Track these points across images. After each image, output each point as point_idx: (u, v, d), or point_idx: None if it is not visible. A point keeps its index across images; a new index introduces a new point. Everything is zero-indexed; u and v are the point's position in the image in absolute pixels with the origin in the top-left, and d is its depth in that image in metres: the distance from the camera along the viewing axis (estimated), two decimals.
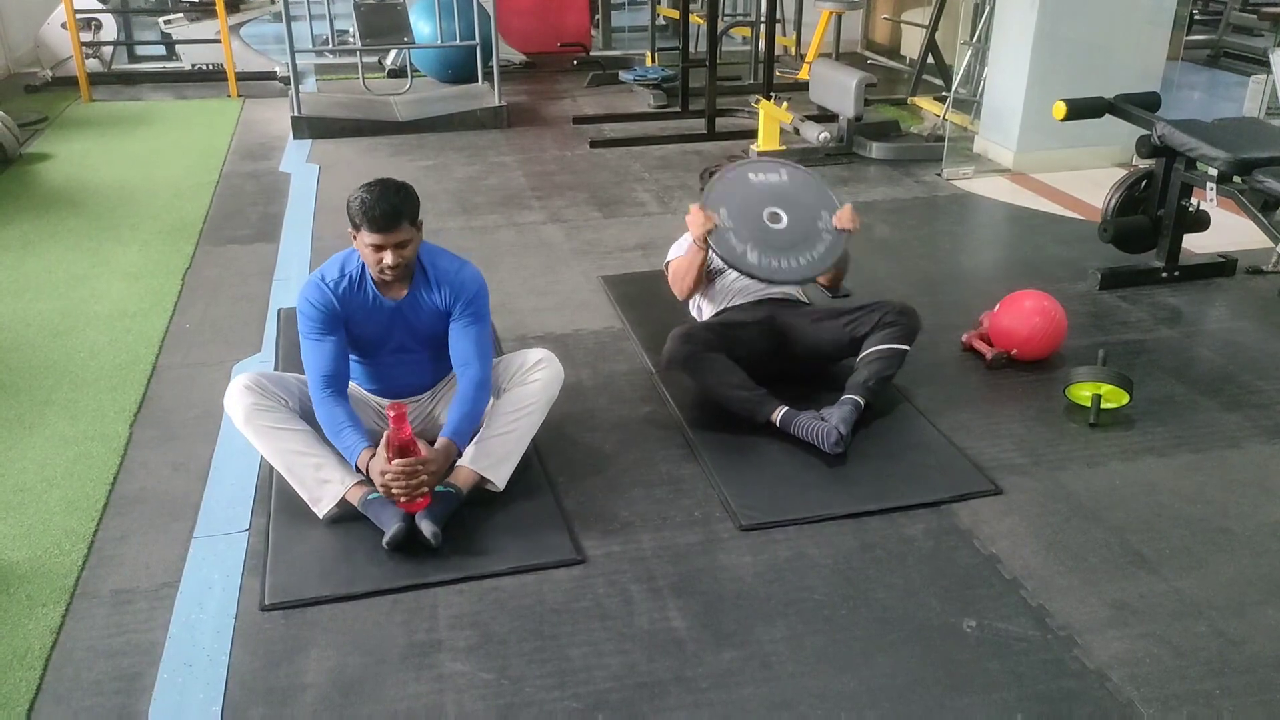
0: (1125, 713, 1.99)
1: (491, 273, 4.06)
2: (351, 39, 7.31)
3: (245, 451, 2.87)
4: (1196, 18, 8.90)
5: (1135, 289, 3.98)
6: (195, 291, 4.02)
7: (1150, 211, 4.04)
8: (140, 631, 2.23)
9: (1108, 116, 4.18)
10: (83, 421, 3.07)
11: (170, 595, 2.33)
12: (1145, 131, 3.96)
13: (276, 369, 3.34)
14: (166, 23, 8.12)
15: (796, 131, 5.68)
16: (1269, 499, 2.68)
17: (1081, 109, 4.10)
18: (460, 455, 2.58)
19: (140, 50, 8.65)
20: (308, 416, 2.61)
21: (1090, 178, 5.32)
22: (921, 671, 2.10)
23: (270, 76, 7.69)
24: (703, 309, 3.35)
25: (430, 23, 7.07)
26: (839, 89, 5.64)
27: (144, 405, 3.17)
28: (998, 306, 3.40)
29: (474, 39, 6.75)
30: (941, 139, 5.78)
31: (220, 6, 7.29)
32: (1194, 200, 3.95)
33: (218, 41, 7.53)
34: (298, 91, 6.21)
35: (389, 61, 8.02)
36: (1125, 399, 3.05)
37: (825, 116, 5.96)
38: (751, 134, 5.96)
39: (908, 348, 3.04)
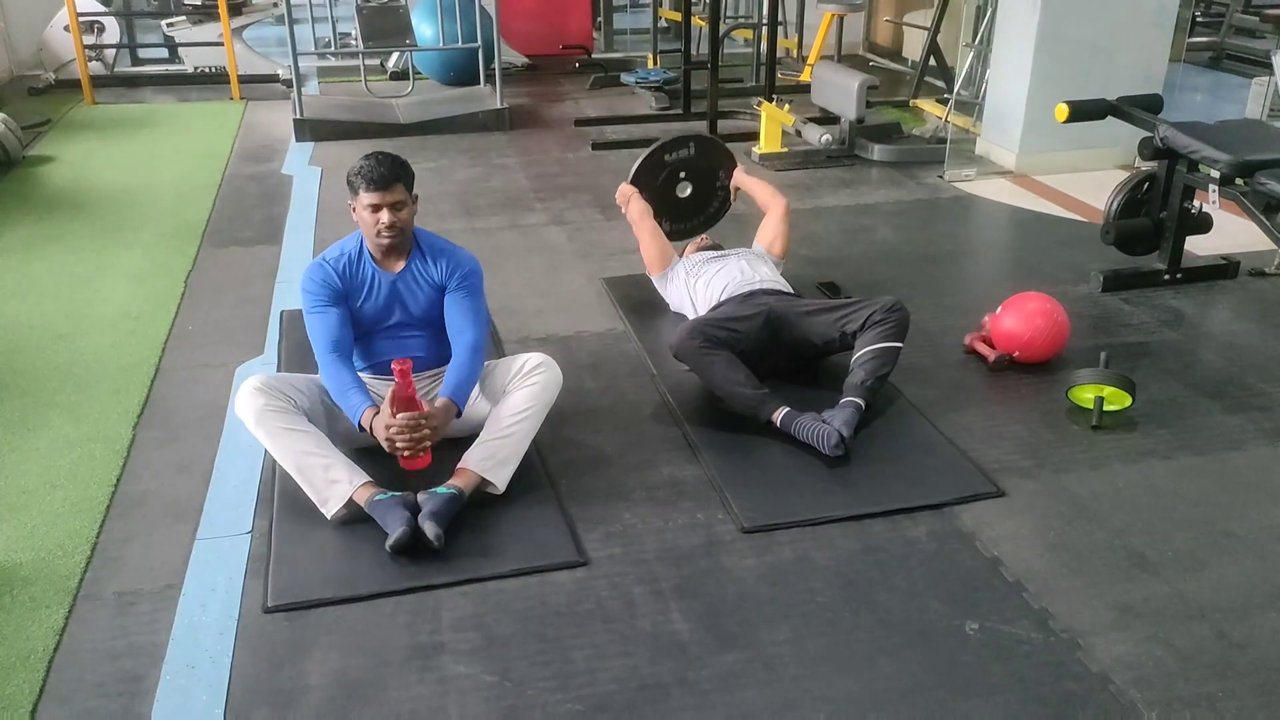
0: (1128, 715, 1.99)
1: (494, 274, 4.07)
2: (354, 41, 7.32)
3: (248, 453, 2.88)
4: (1198, 20, 8.89)
5: (1137, 291, 3.98)
6: (198, 294, 4.03)
7: (1153, 214, 4.04)
8: (143, 633, 2.23)
9: (1110, 119, 4.18)
10: (86, 423, 3.08)
11: (173, 597, 2.34)
12: (1147, 134, 3.96)
13: (279, 370, 3.34)
14: (169, 25, 8.12)
15: (798, 133, 5.68)
16: (1272, 501, 2.68)
17: (1084, 111, 4.10)
18: (459, 415, 2.66)
19: (143, 53, 8.66)
20: (315, 416, 2.64)
21: (1092, 180, 5.32)
22: (924, 674, 2.10)
23: (273, 79, 7.69)
24: (697, 306, 3.40)
25: (432, 25, 7.07)
26: (841, 91, 5.65)
27: (147, 407, 3.18)
28: (1000, 308, 3.40)
29: (476, 41, 6.75)
30: (943, 141, 5.78)
31: (223, 9, 7.30)
32: (1196, 202, 3.95)
33: (220, 44, 7.54)
34: (300, 94, 6.22)
35: (391, 64, 8.03)
36: (1128, 401, 3.05)
37: (827, 119, 5.96)
38: (753, 136, 5.97)
39: (901, 344, 3.04)
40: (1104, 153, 5.54)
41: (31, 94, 7.41)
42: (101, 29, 7.85)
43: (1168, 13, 5.45)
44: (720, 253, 3.61)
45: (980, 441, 2.94)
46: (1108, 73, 5.14)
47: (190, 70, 8.00)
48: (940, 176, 5.47)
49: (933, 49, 6.98)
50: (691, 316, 3.38)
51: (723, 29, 7.00)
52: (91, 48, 7.59)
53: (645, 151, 3.93)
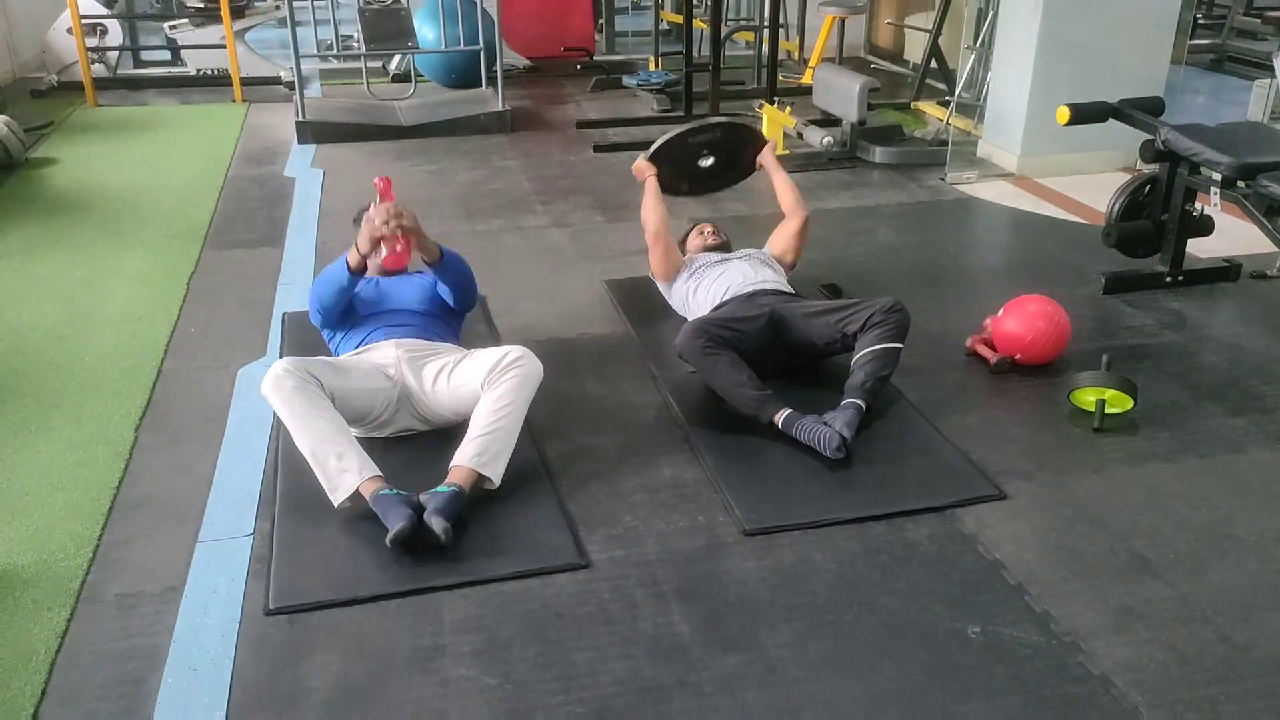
0: (1130, 718, 1.99)
1: (496, 277, 4.07)
2: (356, 44, 7.32)
3: (250, 456, 2.88)
4: (1200, 22, 8.89)
5: (1139, 294, 3.97)
6: (200, 296, 4.03)
7: (1154, 216, 4.04)
8: (145, 635, 2.23)
9: (1111, 121, 4.18)
10: (88, 425, 3.08)
11: (175, 599, 2.34)
12: (1149, 136, 3.96)
13: None
14: (172, 28, 8.12)
15: (800, 136, 5.68)
16: (1274, 504, 2.68)
17: (1085, 114, 4.10)
18: (441, 255, 2.96)
19: (145, 55, 8.66)
20: (333, 399, 2.70)
21: (1094, 182, 5.32)
22: (926, 677, 2.10)
23: (275, 81, 7.70)
24: (701, 305, 3.41)
25: (434, 27, 7.08)
26: (842, 93, 5.65)
27: (149, 409, 3.18)
28: (1001, 311, 3.40)
29: (478, 44, 6.75)
30: (945, 143, 5.78)
31: (225, 12, 7.31)
32: (1198, 205, 3.95)
33: (223, 47, 7.54)
34: (302, 96, 6.22)
35: (393, 66, 8.03)
36: (1129, 404, 3.04)
37: (829, 121, 5.96)
38: None
39: (901, 345, 3.04)
40: (1105, 155, 5.54)
41: (34, 96, 7.41)
42: (104, 31, 7.85)
43: (1169, 15, 5.45)
44: (723, 256, 3.61)
45: (982, 444, 2.94)
46: (1109, 75, 5.14)
47: (193, 72, 8.00)
48: (942, 179, 5.47)
49: (934, 51, 6.98)
50: (692, 317, 3.38)
51: (724, 31, 7.00)
52: (94, 50, 7.60)
53: (670, 132, 3.87)
